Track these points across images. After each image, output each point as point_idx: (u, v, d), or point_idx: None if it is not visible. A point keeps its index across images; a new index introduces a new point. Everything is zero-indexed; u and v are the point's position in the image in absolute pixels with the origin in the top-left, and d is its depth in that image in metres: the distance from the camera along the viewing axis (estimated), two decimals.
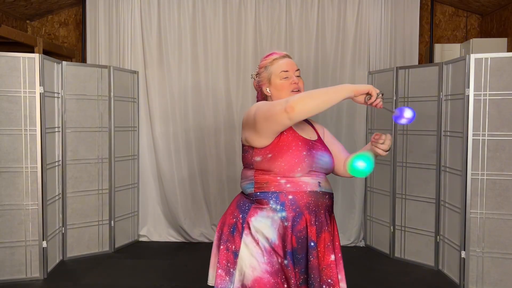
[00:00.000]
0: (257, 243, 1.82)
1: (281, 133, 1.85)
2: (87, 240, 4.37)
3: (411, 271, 4.08)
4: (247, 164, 1.94)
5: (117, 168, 4.55)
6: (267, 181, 1.87)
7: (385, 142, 1.86)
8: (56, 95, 4.07)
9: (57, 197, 4.11)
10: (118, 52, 4.89)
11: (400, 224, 4.36)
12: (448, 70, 3.92)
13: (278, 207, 1.84)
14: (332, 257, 1.90)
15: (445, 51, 4.85)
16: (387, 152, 1.89)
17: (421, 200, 4.18)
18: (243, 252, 1.83)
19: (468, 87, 3.57)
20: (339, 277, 1.95)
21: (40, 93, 3.73)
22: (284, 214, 1.83)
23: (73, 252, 4.30)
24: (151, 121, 4.91)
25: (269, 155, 1.84)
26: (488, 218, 3.57)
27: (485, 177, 3.56)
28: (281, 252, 1.81)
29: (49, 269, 3.92)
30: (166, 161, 4.89)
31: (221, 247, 1.90)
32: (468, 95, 3.57)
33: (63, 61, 4.16)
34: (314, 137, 1.99)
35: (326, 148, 1.98)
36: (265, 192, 1.86)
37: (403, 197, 4.32)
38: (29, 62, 3.71)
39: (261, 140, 1.84)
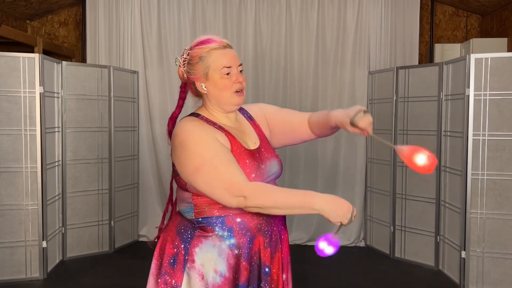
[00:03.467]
0: (202, 278, 1.57)
1: None
2: (87, 240, 4.37)
3: (411, 271, 4.08)
4: (181, 187, 1.65)
5: (117, 168, 4.54)
6: (209, 204, 1.58)
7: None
8: (56, 95, 4.07)
9: (57, 197, 4.11)
10: (118, 52, 4.89)
11: (400, 224, 4.36)
12: (448, 70, 3.92)
13: (225, 233, 1.58)
14: (284, 276, 1.69)
15: (445, 51, 4.86)
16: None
17: (421, 200, 4.18)
18: None
19: (468, 87, 3.57)
20: None
21: (40, 93, 3.73)
22: (233, 241, 1.58)
23: (73, 252, 4.29)
24: (151, 121, 4.92)
25: None
26: (488, 218, 3.57)
27: (485, 177, 3.56)
28: (231, 287, 1.58)
29: (49, 269, 3.91)
30: (166, 161, 4.89)
31: (159, 280, 1.63)
32: (468, 95, 3.57)
33: (63, 61, 4.16)
34: (257, 140, 1.71)
35: (272, 153, 1.72)
36: (208, 218, 1.59)
37: (403, 197, 4.32)
38: (29, 62, 3.71)
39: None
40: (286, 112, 1.84)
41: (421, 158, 1.51)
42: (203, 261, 1.58)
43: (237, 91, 1.65)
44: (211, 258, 1.58)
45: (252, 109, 1.84)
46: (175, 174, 1.64)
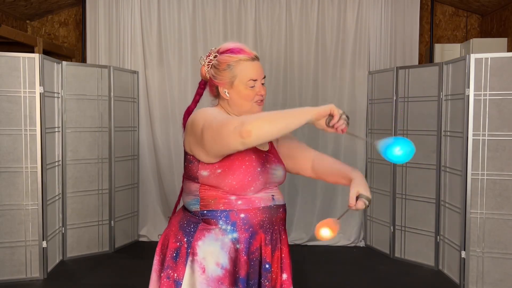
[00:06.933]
0: (203, 271, 1.61)
1: None
2: (87, 240, 4.37)
3: (411, 271, 4.08)
4: (190, 177, 1.69)
5: (117, 168, 4.54)
6: (215, 198, 1.64)
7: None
8: (56, 95, 4.07)
9: (57, 197, 4.11)
10: (118, 52, 4.89)
11: (400, 224, 4.36)
12: (448, 70, 3.92)
13: (229, 227, 1.63)
14: (284, 276, 1.74)
15: (445, 51, 4.86)
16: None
17: (421, 200, 4.18)
18: (187, 281, 1.62)
19: (468, 87, 3.57)
20: None
21: (40, 93, 3.73)
22: (235, 235, 1.63)
23: (73, 252, 4.29)
24: (151, 121, 4.92)
25: (218, 171, 1.62)
26: (488, 218, 3.57)
27: (485, 177, 3.56)
28: (232, 279, 1.61)
29: (49, 269, 3.92)
30: (166, 161, 4.89)
31: (162, 274, 1.67)
32: (468, 95, 3.57)
33: (63, 61, 4.16)
34: (266, 146, 1.76)
35: (279, 160, 1.78)
36: (213, 211, 1.64)
37: (403, 197, 4.32)
38: (29, 62, 3.71)
39: (208, 158, 1.61)
40: (296, 142, 1.88)
41: (325, 232, 1.63)
42: (205, 254, 1.62)
43: (257, 101, 1.69)
44: (213, 252, 1.62)
45: None
46: (187, 162, 1.69)
